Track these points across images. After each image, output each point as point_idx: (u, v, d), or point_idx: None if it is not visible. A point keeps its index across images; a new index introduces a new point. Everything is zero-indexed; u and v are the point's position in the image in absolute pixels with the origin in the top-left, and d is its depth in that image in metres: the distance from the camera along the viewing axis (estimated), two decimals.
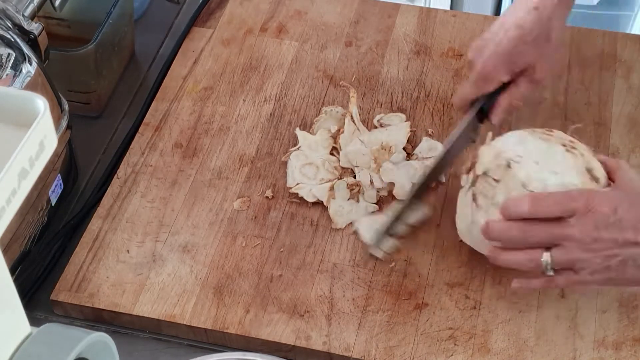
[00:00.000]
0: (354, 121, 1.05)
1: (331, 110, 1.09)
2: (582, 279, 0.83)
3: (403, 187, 1.00)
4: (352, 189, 1.00)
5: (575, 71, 1.13)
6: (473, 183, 0.90)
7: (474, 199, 0.89)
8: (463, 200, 0.92)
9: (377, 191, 1.01)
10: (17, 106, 0.52)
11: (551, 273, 0.84)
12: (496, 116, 0.98)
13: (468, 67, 1.01)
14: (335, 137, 1.05)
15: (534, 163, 0.87)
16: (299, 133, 1.06)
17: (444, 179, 1.02)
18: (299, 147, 1.05)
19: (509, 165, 0.87)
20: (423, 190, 0.98)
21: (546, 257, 0.83)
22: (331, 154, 1.04)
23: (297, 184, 1.02)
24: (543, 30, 0.95)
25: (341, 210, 1.00)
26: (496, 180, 0.88)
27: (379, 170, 1.02)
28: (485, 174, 0.89)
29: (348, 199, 1.00)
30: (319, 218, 1.00)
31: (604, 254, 0.81)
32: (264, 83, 1.13)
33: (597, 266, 0.82)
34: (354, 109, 1.06)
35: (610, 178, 0.88)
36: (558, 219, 0.82)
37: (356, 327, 0.91)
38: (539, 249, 0.83)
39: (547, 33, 0.95)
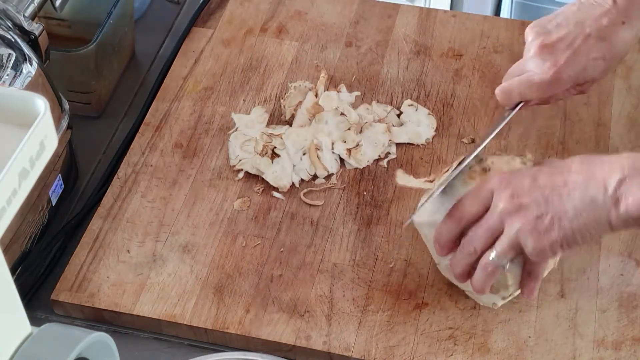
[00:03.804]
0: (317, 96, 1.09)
1: (299, 85, 1.10)
2: (531, 250, 0.82)
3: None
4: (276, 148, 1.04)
5: None
6: None
7: None
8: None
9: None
10: (18, 106, 0.52)
11: (508, 266, 0.84)
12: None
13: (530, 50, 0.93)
14: (272, 112, 1.09)
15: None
16: (235, 116, 1.09)
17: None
18: (237, 128, 1.07)
19: None
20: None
21: (492, 254, 0.83)
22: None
23: (240, 160, 1.03)
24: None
25: (278, 174, 1.02)
26: None
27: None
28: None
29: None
30: (319, 218, 1.00)
31: (534, 215, 0.81)
32: (264, 83, 1.14)
33: (536, 233, 0.81)
34: (320, 87, 1.09)
35: None
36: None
37: (356, 326, 0.91)
38: (485, 255, 0.84)
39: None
